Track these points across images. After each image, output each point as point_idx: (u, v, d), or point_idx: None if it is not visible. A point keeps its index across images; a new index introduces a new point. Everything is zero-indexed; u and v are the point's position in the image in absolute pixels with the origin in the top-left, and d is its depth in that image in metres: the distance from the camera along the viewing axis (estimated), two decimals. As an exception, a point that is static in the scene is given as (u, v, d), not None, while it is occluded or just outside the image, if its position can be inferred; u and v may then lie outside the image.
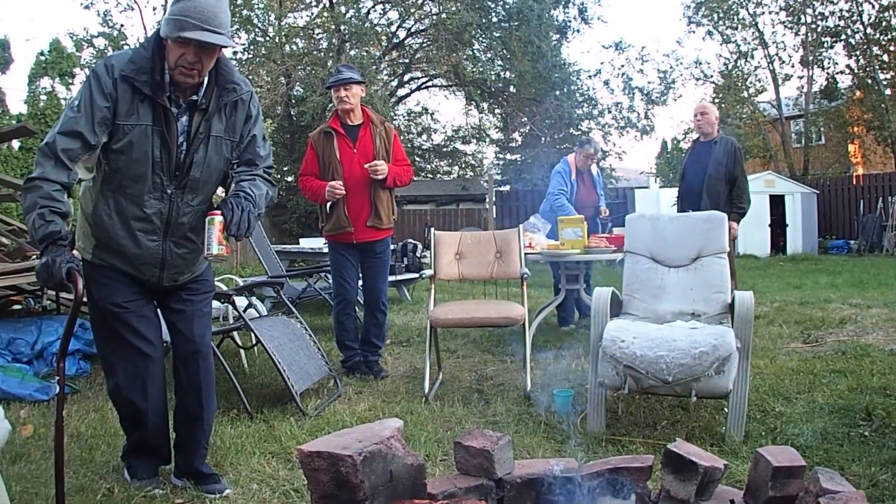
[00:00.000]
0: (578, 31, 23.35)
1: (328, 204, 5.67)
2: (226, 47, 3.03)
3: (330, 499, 2.25)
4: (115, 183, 3.10)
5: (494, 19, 21.11)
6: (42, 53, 17.91)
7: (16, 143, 16.40)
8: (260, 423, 4.46)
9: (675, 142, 33.00)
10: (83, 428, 4.42)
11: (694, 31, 29.32)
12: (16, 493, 3.35)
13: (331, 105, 18.54)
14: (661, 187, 22.93)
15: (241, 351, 5.89)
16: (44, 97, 17.56)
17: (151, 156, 3.03)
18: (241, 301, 5.49)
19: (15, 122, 15.71)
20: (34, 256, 6.46)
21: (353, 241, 5.69)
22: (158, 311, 3.50)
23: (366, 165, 5.54)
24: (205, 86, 3.11)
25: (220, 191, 3.45)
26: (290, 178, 21.40)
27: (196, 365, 3.44)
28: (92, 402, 4.97)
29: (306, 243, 10.60)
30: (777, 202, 19.59)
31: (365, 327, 5.97)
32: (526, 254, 5.91)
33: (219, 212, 3.07)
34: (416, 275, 9.86)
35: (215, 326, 5.35)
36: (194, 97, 3.11)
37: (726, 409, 4.04)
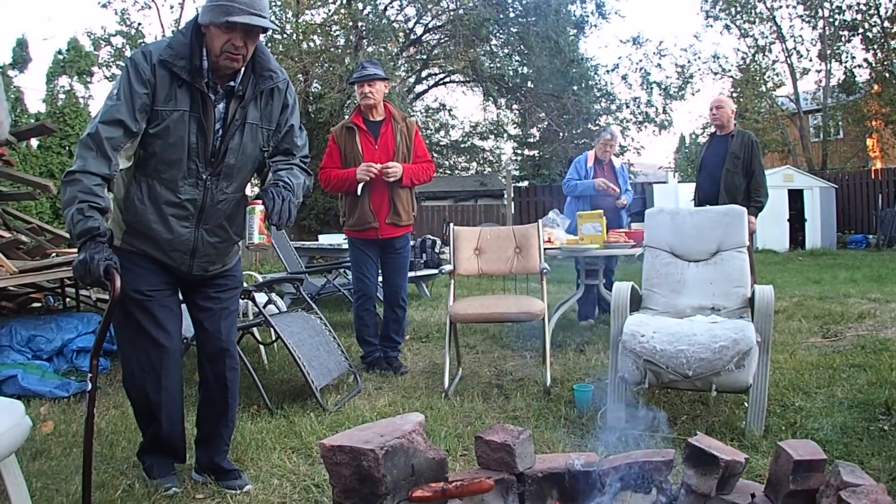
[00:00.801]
0: (596, 25, 23.21)
1: (349, 198, 5.69)
2: (271, 30, 3.04)
3: (352, 493, 2.26)
4: (150, 168, 3.12)
5: (511, 15, 21.04)
6: (60, 52, 18.05)
7: (34, 142, 16.52)
8: (280, 419, 4.48)
9: (694, 136, 32.81)
10: (103, 424, 4.45)
11: (711, 26, 29.16)
12: (36, 489, 3.36)
13: (349, 101, 18.61)
14: (679, 182, 22.81)
15: (261, 347, 5.92)
16: (62, 96, 17.69)
17: (188, 141, 3.06)
18: (260, 297, 5.50)
19: (34, 120, 15.82)
20: (54, 254, 6.51)
21: (376, 236, 5.70)
22: (183, 306, 3.52)
23: (378, 167, 5.55)
24: (241, 73, 3.13)
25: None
26: (308, 175, 21.46)
27: (223, 363, 3.46)
28: (112, 399, 5.00)
29: (325, 240, 10.61)
30: (796, 197, 19.48)
31: (385, 323, 5.99)
32: (545, 249, 5.90)
33: (259, 201, 3.07)
34: (435, 270, 9.86)
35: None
36: (231, 84, 3.12)
37: (746, 404, 4.02)
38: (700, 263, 4.82)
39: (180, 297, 3.49)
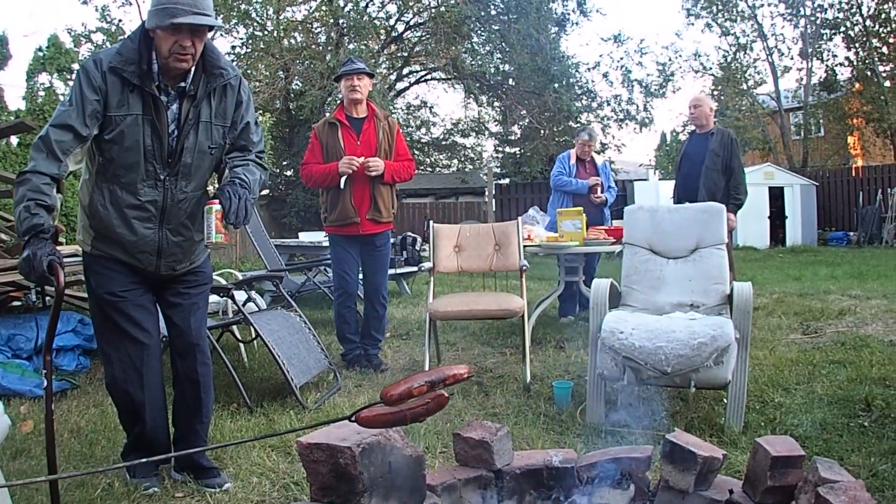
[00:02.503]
0: (577, 23, 23.25)
1: (331, 194, 5.68)
2: (218, 28, 3.09)
3: (329, 490, 2.26)
4: (109, 173, 3.15)
5: (493, 12, 21.06)
6: (40, 49, 17.87)
7: (14, 139, 16.39)
8: (260, 417, 4.47)
9: (675, 134, 32.95)
10: (83, 423, 4.42)
11: (693, 24, 29.21)
12: (16, 488, 3.34)
13: (330, 99, 18.57)
14: (660, 179, 22.99)
15: (241, 345, 5.89)
16: (42, 93, 17.52)
17: (143, 144, 3.09)
18: (240, 295, 5.48)
19: (13, 118, 15.67)
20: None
21: (358, 232, 5.69)
22: (157, 303, 3.52)
23: (360, 161, 5.53)
24: (192, 73, 3.16)
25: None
26: (289, 173, 21.37)
27: (193, 359, 3.47)
28: (92, 398, 4.97)
29: (305, 237, 10.59)
30: (776, 194, 19.64)
31: (365, 320, 5.98)
32: (525, 246, 5.91)
33: (216, 201, 3.09)
34: (415, 268, 9.86)
35: (215, 320, 5.38)
36: (182, 84, 3.16)
37: (725, 400, 4.04)
38: (679, 260, 4.84)
39: (153, 296, 3.49)
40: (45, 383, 2.72)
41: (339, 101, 5.96)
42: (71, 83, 3.19)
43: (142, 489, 3.39)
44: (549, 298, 6.99)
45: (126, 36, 3.21)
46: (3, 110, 16.27)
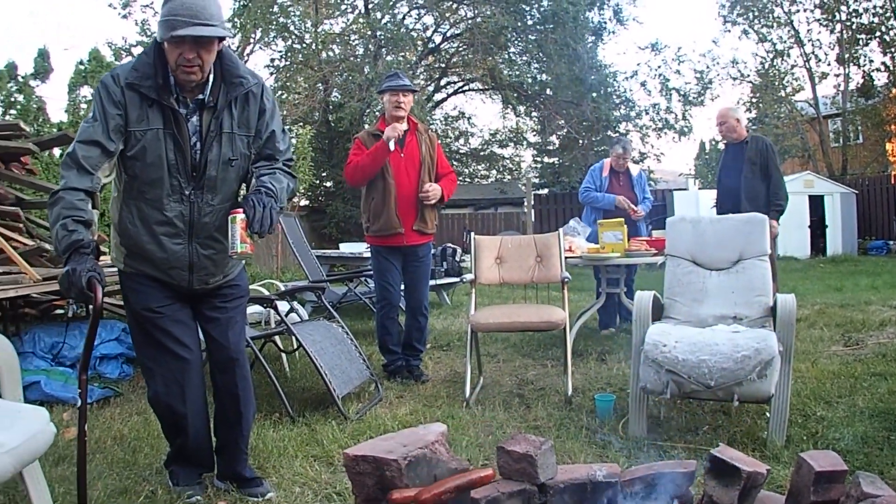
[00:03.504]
0: (614, 32, 23.16)
1: (375, 203, 5.70)
2: (220, 38, 3.03)
3: (374, 502, 2.27)
4: (134, 190, 3.15)
5: (529, 22, 21.05)
6: (81, 63, 18.19)
7: (57, 151, 16.69)
8: (302, 427, 4.50)
9: (714, 143, 32.65)
10: (126, 430, 4.49)
11: (729, 31, 28.86)
12: (59, 494, 3.39)
13: (369, 111, 18.68)
14: (699, 189, 22.72)
15: (283, 355, 5.95)
16: (84, 105, 17.82)
17: (166, 159, 3.08)
18: (282, 306, 5.54)
19: (56, 130, 15.96)
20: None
21: (402, 243, 5.73)
22: (198, 323, 3.53)
23: (420, 194, 5.64)
24: (210, 83, 3.13)
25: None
26: (328, 184, 21.50)
27: (232, 372, 3.45)
28: (135, 406, 5.05)
29: (346, 248, 10.67)
30: (816, 203, 19.36)
31: (407, 331, 6.00)
32: (566, 257, 5.89)
33: (240, 210, 3.06)
34: (456, 279, 9.87)
35: (257, 331, 5.42)
36: (201, 96, 3.13)
37: (768, 414, 3.99)
38: (722, 272, 4.80)
39: (191, 309, 3.49)
40: (79, 403, 2.71)
41: (379, 114, 6.00)
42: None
43: (185, 497, 3.42)
44: (591, 310, 6.97)
45: (142, 51, 3.20)
46: (45, 122, 16.55)
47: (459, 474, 2.34)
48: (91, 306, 2.77)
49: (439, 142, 6.05)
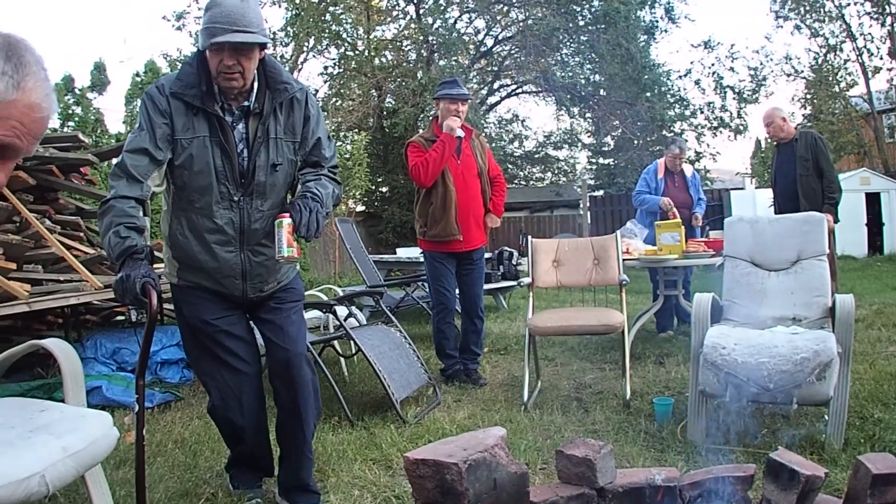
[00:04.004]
0: (666, 31, 22.93)
1: (433, 209, 5.76)
2: (260, 45, 3.02)
3: None
4: (183, 200, 3.16)
5: (581, 23, 20.93)
6: (137, 75, 18.55)
7: (115, 161, 17.01)
8: (361, 431, 4.55)
9: (769, 141, 32.03)
10: (187, 434, 4.58)
11: (782, 26, 28.24)
12: (120, 497, 3.45)
13: (422, 115, 18.75)
14: (756, 188, 22.35)
15: (342, 359, 6.02)
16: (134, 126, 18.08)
17: (213, 166, 3.08)
18: (341, 311, 5.61)
19: (114, 141, 16.31)
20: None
21: (460, 249, 5.79)
22: (254, 327, 3.49)
23: (486, 223, 5.83)
24: (255, 90, 3.14)
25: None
26: (384, 189, 21.63)
27: (290, 375, 3.32)
28: (195, 409, 5.14)
29: (403, 252, 10.73)
30: (873, 200, 18.92)
31: (463, 335, 6.04)
32: (623, 259, 5.88)
33: (287, 214, 3.04)
34: (513, 283, 9.88)
35: (317, 335, 5.48)
36: (246, 103, 3.14)
37: (826, 417, 3.94)
38: (780, 273, 4.75)
39: (248, 321, 3.48)
40: (137, 408, 2.70)
41: (433, 118, 6.04)
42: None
43: (245, 499, 3.47)
44: (648, 313, 6.92)
45: (186, 60, 3.20)
46: (104, 134, 16.92)
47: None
48: (147, 312, 2.72)
49: (492, 146, 6.10)
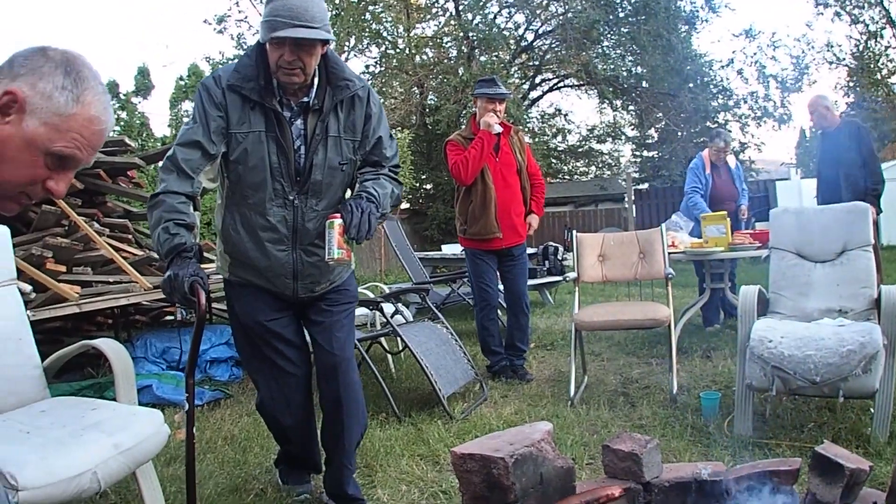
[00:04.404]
0: (707, 20, 22.61)
1: (472, 207, 5.80)
2: (322, 41, 2.90)
3: (481, 500, 2.29)
4: (237, 195, 3.10)
5: (621, 15, 20.78)
6: (181, 78, 18.81)
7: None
8: (408, 426, 4.59)
9: (814, 130, 31.46)
10: (236, 431, 4.65)
11: (822, 13, 27.74)
12: (170, 493, 3.52)
13: (465, 111, 18.77)
14: (801, 178, 22.01)
15: (389, 356, 6.06)
16: (186, 119, 18.34)
17: (269, 162, 3.00)
18: (387, 307, 5.65)
19: (159, 144, 16.56)
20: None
21: (499, 246, 5.81)
22: (304, 328, 3.43)
23: (528, 222, 5.85)
24: (316, 86, 3.04)
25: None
26: (428, 186, 21.69)
27: (336, 380, 3.26)
28: (245, 407, 5.21)
29: (448, 249, 10.78)
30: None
31: (508, 331, 6.06)
32: (669, 253, 5.85)
33: (338, 215, 2.94)
34: (558, 278, 9.86)
35: (363, 332, 5.54)
36: (306, 99, 3.04)
37: (872, 410, 3.90)
38: (826, 264, 4.69)
39: (300, 322, 3.42)
40: (187, 406, 2.69)
41: (471, 115, 6.07)
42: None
43: (295, 495, 3.52)
44: (695, 307, 6.88)
45: (244, 52, 3.12)
46: (149, 137, 17.19)
47: (589, 491, 2.37)
48: (195, 311, 2.71)
49: (535, 140, 6.11)
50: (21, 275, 3.56)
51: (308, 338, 3.43)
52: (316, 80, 3.04)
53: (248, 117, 2.98)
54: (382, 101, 21.75)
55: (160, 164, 2.98)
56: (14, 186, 1.67)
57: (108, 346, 3.26)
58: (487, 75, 6.47)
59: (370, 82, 21.88)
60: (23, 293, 3.63)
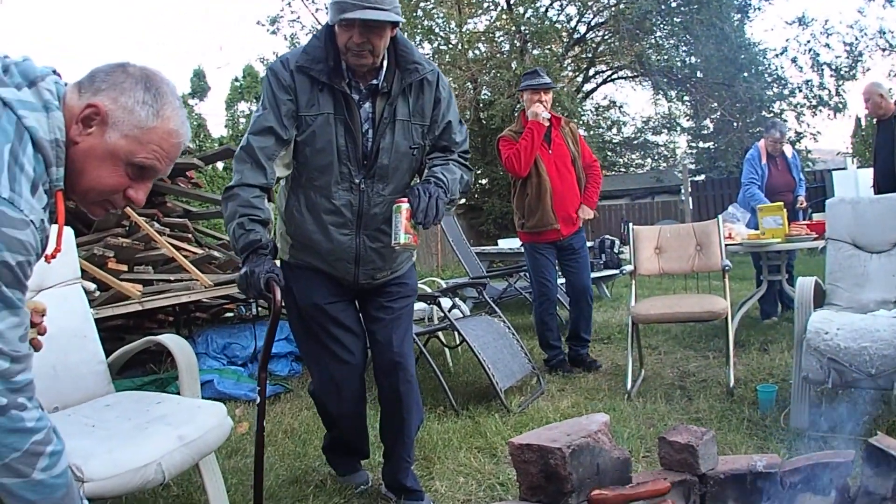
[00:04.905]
0: (759, 8, 22.17)
1: (529, 200, 5.84)
2: (392, 24, 2.87)
3: (538, 490, 2.34)
4: (303, 177, 3.08)
5: (673, 4, 20.46)
6: (236, 80, 19.09)
7: (220, 164, 17.61)
8: (466, 419, 4.64)
9: (869, 118, 30.69)
10: (296, 424, 4.74)
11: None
12: (231, 484, 3.61)
13: (518, 106, 18.72)
14: (858, 167, 21.52)
15: (447, 350, 6.13)
16: (242, 119, 18.63)
17: (336, 144, 2.97)
18: (445, 302, 5.73)
19: (217, 144, 16.83)
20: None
21: (557, 237, 5.85)
22: (364, 322, 3.41)
23: (579, 214, 5.84)
24: (385, 69, 3.00)
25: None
26: (483, 181, 21.67)
27: (395, 376, 3.26)
28: (304, 401, 5.25)
29: (504, 244, 10.80)
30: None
31: (572, 322, 6.10)
32: (726, 245, 5.83)
33: (405, 199, 2.90)
34: (615, 271, 9.86)
35: (422, 327, 5.59)
36: (374, 81, 3.00)
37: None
38: (883, 255, 4.63)
39: (357, 309, 3.41)
40: (259, 400, 2.70)
41: (520, 112, 6.10)
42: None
43: (353, 488, 3.58)
44: (752, 299, 6.83)
45: (314, 34, 3.10)
46: (207, 138, 17.50)
47: (640, 485, 2.42)
48: (270, 307, 2.71)
49: (590, 133, 6.12)
50: (84, 274, 3.68)
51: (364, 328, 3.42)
52: (385, 63, 3.00)
53: (316, 99, 2.96)
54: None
55: (236, 153, 2.99)
56: (98, 194, 1.80)
57: (173, 342, 3.33)
58: (531, 69, 6.48)
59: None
60: (87, 291, 3.74)
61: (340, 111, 2.97)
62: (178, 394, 3.27)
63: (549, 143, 5.82)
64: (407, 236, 2.88)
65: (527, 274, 7.98)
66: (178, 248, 6.12)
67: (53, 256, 1.84)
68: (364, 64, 2.91)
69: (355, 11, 2.74)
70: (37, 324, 1.96)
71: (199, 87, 20.30)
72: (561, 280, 6.41)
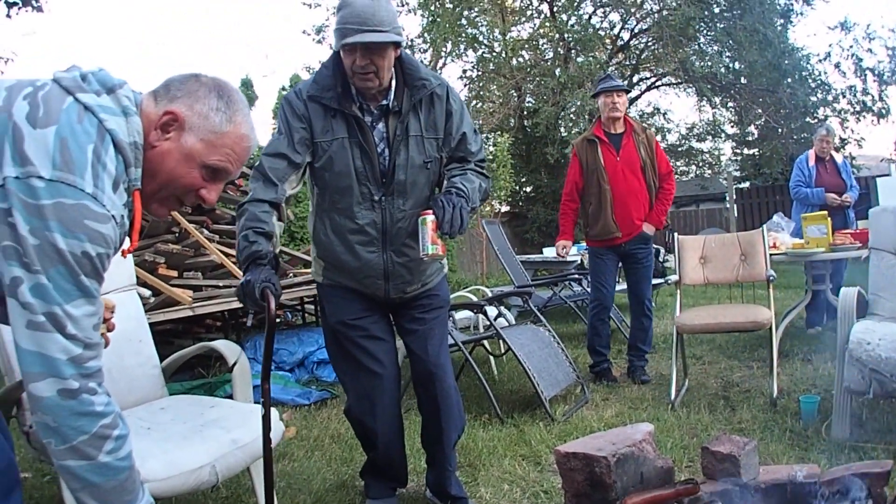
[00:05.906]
0: (802, 13, 21.91)
1: (592, 209, 5.94)
2: (393, 44, 2.94)
3: (583, 498, 2.42)
4: (326, 202, 3.18)
5: (716, 10, 20.32)
6: (284, 88, 19.26)
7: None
8: (510, 428, 4.71)
9: (914, 124, 30.05)
10: (343, 430, 4.79)
11: (916, 3, 26.40)
12: (280, 488, 3.72)
13: (563, 114, 18.74)
14: (903, 174, 21.09)
15: (492, 358, 6.18)
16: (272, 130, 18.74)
17: (353, 167, 3.06)
18: (490, 310, 5.79)
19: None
20: (291, 274, 7.09)
21: (621, 243, 5.91)
22: (395, 330, 3.48)
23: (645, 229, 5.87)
24: (394, 88, 3.09)
25: None
26: (528, 189, 21.67)
27: (433, 387, 3.34)
28: (350, 406, 5.39)
29: (549, 252, 10.81)
30: None
31: (631, 333, 6.16)
32: (770, 254, 5.85)
33: (430, 211, 2.97)
34: (659, 280, 9.85)
35: (467, 335, 5.67)
36: (385, 102, 3.09)
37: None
38: (926, 265, 4.63)
39: (391, 324, 3.48)
40: (263, 411, 2.57)
41: (596, 118, 6.16)
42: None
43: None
44: (797, 309, 6.83)
45: (322, 63, 3.20)
46: (255, 146, 17.80)
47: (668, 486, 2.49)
48: (266, 316, 2.67)
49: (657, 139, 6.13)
50: (136, 280, 3.83)
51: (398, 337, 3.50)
52: (394, 83, 3.09)
53: (330, 125, 3.07)
54: (481, 105, 21.98)
55: (251, 172, 3.11)
56: (174, 189, 1.95)
57: (227, 348, 3.46)
58: (603, 74, 6.50)
59: (468, 87, 22.14)
60: (142, 297, 3.89)
61: (354, 134, 3.08)
62: (228, 397, 3.40)
63: (618, 149, 5.88)
64: (434, 247, 2.96)
65: (572, 283, 8.04)
66: (226, 255, 6.26)
67: (130, 251, 1.98)
68: (370, 87, 3.01)
69: (356, 36, 2.84)
70: (107, 319, 2.10)
71: (248, 96, 20.48)
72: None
